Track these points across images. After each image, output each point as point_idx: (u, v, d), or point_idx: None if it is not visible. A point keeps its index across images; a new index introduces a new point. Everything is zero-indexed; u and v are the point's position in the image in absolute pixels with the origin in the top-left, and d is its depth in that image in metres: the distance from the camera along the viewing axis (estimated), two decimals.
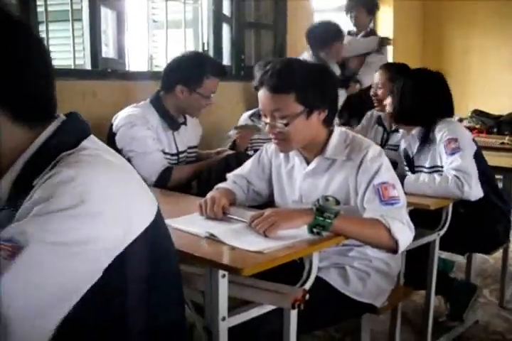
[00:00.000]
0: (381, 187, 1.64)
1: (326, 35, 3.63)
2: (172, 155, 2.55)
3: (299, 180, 1.82)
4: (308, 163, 1.80)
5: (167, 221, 1.63)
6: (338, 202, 1.54)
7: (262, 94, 1.68)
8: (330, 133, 1.77)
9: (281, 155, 1.90)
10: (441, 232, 2.21)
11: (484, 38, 5.40)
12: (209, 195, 1.81)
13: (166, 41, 3.48)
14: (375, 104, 2.97)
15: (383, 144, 2.91)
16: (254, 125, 2.95)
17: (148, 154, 2.36)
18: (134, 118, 2.40)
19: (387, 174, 1.68)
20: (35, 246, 0.80)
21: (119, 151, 2.39)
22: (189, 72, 2.42)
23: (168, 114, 2.50)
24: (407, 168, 2.50)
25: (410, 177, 2.24)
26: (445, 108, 2.42)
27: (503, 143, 3.63)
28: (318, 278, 1.61)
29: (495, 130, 4.44)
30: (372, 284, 1.79)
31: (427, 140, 2.35)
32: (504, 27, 5.36)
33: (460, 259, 2.57)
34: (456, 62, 5.47)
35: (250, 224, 1.56)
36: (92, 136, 1.00)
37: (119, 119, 2.44)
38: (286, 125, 1.66)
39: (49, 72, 0.94)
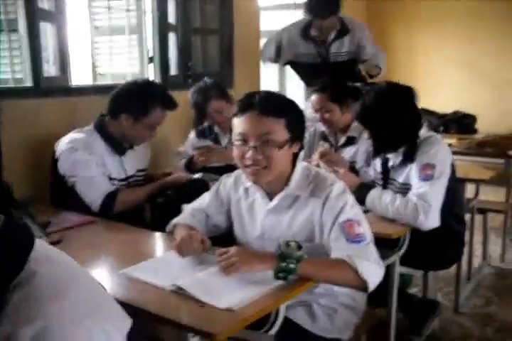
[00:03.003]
0: (346, 225, 1.63)
1: None
2: (121, 180, 2.49)
3: (260, 216, 1.79)
4: (270, 198, 1.76)
5: (128, 269, 1.62)
6: (300, 247, 1.52)
7: (249, 116, 1.61)
8: (293, 167, 1.74)
9: (241, 189, 1.86)
10: (401, 252, 2.23)
11: (428, 37, 5.47)
12: (181, 233, 1.75)
13: (110, 48, 3.36)
14: (325, 127, 2.96)
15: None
16: (215, 146, 2.96)
17: (91, 178, 2.30)
18: (76, 143, 2.34)
19: (352, 211, 1.66)
20: None
21: (61, 177, 2.32)
22: (137, 102, 2.36)
23: (113, 139, 2.43)
24: (379, 178, 2.46)
25: (375, 192, 2.24)
26: (418, 120, 2.33)
27: (450, 145, 3.68)
28: (285, 318, 1.59)
29: (441, 129, 4.52)
30: (340, 320, 1.79)
31: (409, 159, 2.27)
32: (447, 26, 5.45)
33: (418, 274, 2.61)
34: (400, 61, 5.51)
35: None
36: (36, 244, 0.90)
37: (61, 145, 2.37)
38: (279, 148, 1.61)
39: None
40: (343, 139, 2.91)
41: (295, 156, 1.73)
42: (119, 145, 2.46)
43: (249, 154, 1.62)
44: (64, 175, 2.32)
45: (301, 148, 1.74)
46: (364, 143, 2.74)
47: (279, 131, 1.61)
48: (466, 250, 2.71)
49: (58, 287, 0.83)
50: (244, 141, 1.63)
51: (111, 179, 2.42)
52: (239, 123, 1.64)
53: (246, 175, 1.73)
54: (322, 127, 3.00)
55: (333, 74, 3.61)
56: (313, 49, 3.84)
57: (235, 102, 3.03)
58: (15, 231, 0.88)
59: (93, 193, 2.29)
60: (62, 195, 2.38)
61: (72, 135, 2.40)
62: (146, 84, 2.46)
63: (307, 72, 3.96)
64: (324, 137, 3.00)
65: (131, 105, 2.36)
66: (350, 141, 2.88)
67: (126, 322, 0.93)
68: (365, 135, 2.40)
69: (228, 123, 2.92)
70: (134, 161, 2.56)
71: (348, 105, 2.82)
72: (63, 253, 0.97)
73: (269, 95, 1.67)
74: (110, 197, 2.30)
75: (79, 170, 2.30)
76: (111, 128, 2.43)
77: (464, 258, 2.95)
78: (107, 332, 0.86)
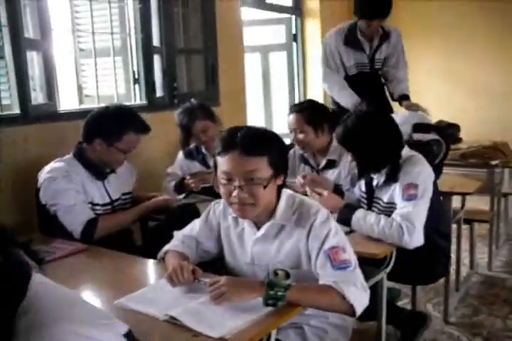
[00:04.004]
0: (332, 252, 1.68)
1: None
2: (105, 205, 2.53)
3: (249, 244, 1.83)
4: (257, 227, 1.81)
5: (122, 300, 1.66)
6: (287, 275, 1.57)
7: (232, 156, 1.65)
8: (278, 197, 1.79)
9: (230, 217, 1.90)
10: (387, 270, 2.29)
11: (411, 48, 5.56)
12: (172, 262, 1.80)
13: (95, 70, 3.40)
14: (299, 147, 2.97)
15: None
16: (207, 171, 2.97)
17: (71, 207, 2.35)
18: (56, 172, 2.39)
19: (337, 238, 1.71)
20: None
21: (43, 206, 2.37)
22: (109, 127, 2.40)
23: (92, 165, 2.48)
24: (364, 197, 2.50)
25: (360, 213, 2.29)
26: (400, 141, 2.39)
27: None
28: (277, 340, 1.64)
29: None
30: (331, 340, 1.84)
31: (392, 178, 2.31)
32: (431, 37, 5.53)
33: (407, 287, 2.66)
34: None
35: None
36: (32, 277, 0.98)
37: (42, 174, 2.43)
38: (264, 187, 1.66)
39: None
40: (323, 162, 2.92)
41: (280, 187, 1.77)
42: (99, 171, 2.51)
43: (235, 193, 1.67)
44: (45, 203, 2.38)
45: (286, 177, 1.79)
46: (346, 166, 2.79)
47: (263, 168, 1.65)
48: (453, 260, 2.77)
49: (59, 309, 0.91)
50: (229, 180, 1.68)
51: (94, 204, 2.47)
52: (223, 163, 1.68)
53: (233, 211, 1.78)
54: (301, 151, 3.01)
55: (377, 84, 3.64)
56: (361, 57, 3.84)
57: (220, 122, 3.10)
58: (13, 265, 0.94)
59: (74, 221, 2.34)
60: (48, 222, 2.42)
61: (53, 164, 2.45)
62: (118, 108, 2.49)
63: (355, 81, 3.89)
64: (305, 160, 3.02)
65: (103, 130, 2.40)
66: (331, 164, 2.90)
67: (123, 326, 1.04)
68: (347, 157, 2.45)
69: (214, 143, 2.99)
70: (117, 185, 2.61)
71: (323, 129, 2.84)
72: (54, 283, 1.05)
73: (251, 133, 1.68)
74: (91, 224, 2.35)
75: (59, 198, 2.35)
76: (88, 154, 2.47)
77: (452, 267, 3.02)
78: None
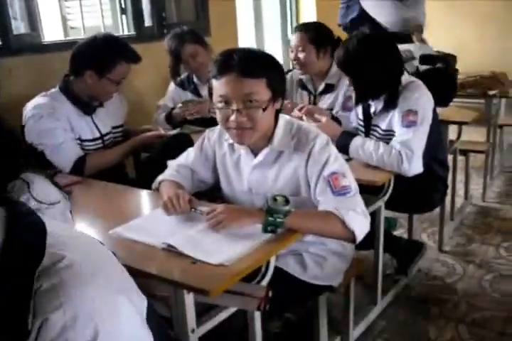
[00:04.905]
0: (331, 178, 1.64)
1: None
2: (94, 140, 2.46)
3: (246, 172, 1.79)
4: (254, 154, 1.76)
5: (118, 229, 1.63)
6: (287, 201, 1.54)
7: (229, 79, 1.57)
8: (276, 122, 1.72)
9: (225, 144, 1.84)
10: (385, 198, 2.27)
11: None
12: (167, 192, 1.75)
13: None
14: (297, 68, 2.87)
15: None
16: (199, 100, 2.91)
17: (58, 145, 2.28)
18: (41, 110, 2.29)
19: (336, 163, 1.67)
20: None
21: (29, 144, 2.30)
22: (100, 57, 2.28)
23: (79, 99, 2.38)
24: (361, 125, 2.45)
25: (357, 140, 2.24)
26: (401, 66, 2.31)
27: None
28: (276, 268, 1.62)
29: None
30: (329, 267, 1.84)
31: (391, 105, 2.25)
32: None
33: (403, 216, 2.67)
34: None
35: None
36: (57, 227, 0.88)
37: (26, 111, 2.32)
38: (263, 110, 1.59)
39: None
40: (321, 87, 2.84)
41: (277, 112, 1.71)
42: (86, 105, 2.41)
43: (233, 117, 1.60)
44: (31, 142, 2.29)
45: (283, 102, 1.72)
46: (343, 89, 2.72)
47: (261, 91, 1.58)
48: (448, 190, 2.76)
49: (85, 272, 0.82)
50: (226, 103, 1.60)
51: (83, 140, 2.40)
52: (219, 86, 1.60)
53: (231, 137, 1.72)
54: (300, 75, 2.92)
55: None
56: None
57: (211, 48, 3.00)
58: (22, 219, 0.84)
59: (62, 160, 2.28)
60: (36, 159, 2.35)
61: (37, 99, 2.34)
62: (107, 38, 2.36)
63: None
64: (302, 85, 2.93)
65: (93, 61, 2.29)
66: (329, 88, 2.83)
67: (144, 301, 0.93)
68: (345, 81, 2.37)
69: (204, 71, 2.93)
70: (107, 118, 2.52)
71: (326, 51, 2.75)
72: (85, 234, 0.96)
73: (248, 54, 1.61)
74: (79, 162, 2.30)
75: (45, 138, 2.27)
76: (76, 87, 2.37)
77: (447, 198, 3.01)
78: (135, 305, 0.87)
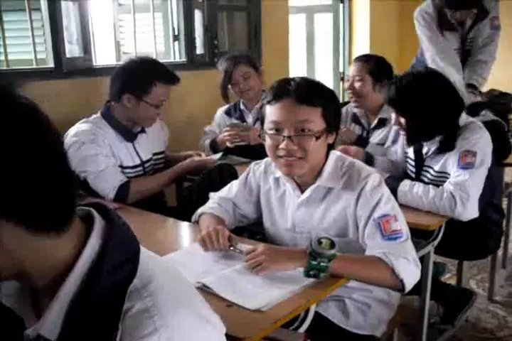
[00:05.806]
0: (382, 221, 1.53)
1: None
2: (135, 166, 2.41)
3: (291, 209, 1.70)
4: (301, 190, 1.67)
5: None
6: (333, 244, 1.43)
7: (284, 104, 1.52)
8: (326, 158, 1.64)
9: (271, 179, 1.76)
10: (436, 242, 2.14)
11: None
12: (207, 226, 1.68)
13: (134, 26, 3.26)
14: (351, 98, 2.81)
15: (365, 143, 2.73)
16: (246, 124, 2.88)
17: (101, 172, 2.23)
18: (82, 137, 2.25)
19: (388, 205, 1.56)
20: None
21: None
22: (135, 79, 2.25)
23: (120, 125, 2.35)
24: (412, 164, 2.32)
25: (405, 185, 2.11)
26: (460, 106, 2.18)
27: None
28: (315, 313, 1.51)
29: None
30: (373, 315, 1.71)
31: (447, 147, 2.12)
32: None
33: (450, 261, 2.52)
34: None
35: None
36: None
37: (68, 137, 2.27)
38: (317, 138, 1.52)
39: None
40: (375, 121, 2.78)
41: (329, 147, 1.63)
42: (128, 131, 2.37)
43: (283, 144, 1.53)
44: (74, 170, 2.24)
45: (336, 138, 1.64)
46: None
47: (316, 120, 1.52)
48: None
49: (177, 298, 0.79)
50: (278, 130, 1.54)
51: (124, 167, 2.35)
52: (273, 111, 1.54)
53: (278, 167, 1.63)
54: (354, 108, 2.86)
55: None
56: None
57: (262, 75, 2.97)
58: (120, 234, 0.80)
59: (105, 186, 2.23)
60: (81, 185, 2.32)
61: (78, 126, 2.31)
62: (142, 60, 2.33)
63: None
64: (356, 119, 2.87)
65: (130, 83, 2.25)
66: (382, 123, 2.76)
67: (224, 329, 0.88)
68: None
69: (252, 96, 2.88)
70: (148, 145, 2.48)
71: (383, 85, 2.68)
72: (161, 258, 0.91)
73: (306, 82, 1.56)
74: (123, 189, 2.24)
75: (88, 165, 2.22)
76: (117, 112, 2.34)
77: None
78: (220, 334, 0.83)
